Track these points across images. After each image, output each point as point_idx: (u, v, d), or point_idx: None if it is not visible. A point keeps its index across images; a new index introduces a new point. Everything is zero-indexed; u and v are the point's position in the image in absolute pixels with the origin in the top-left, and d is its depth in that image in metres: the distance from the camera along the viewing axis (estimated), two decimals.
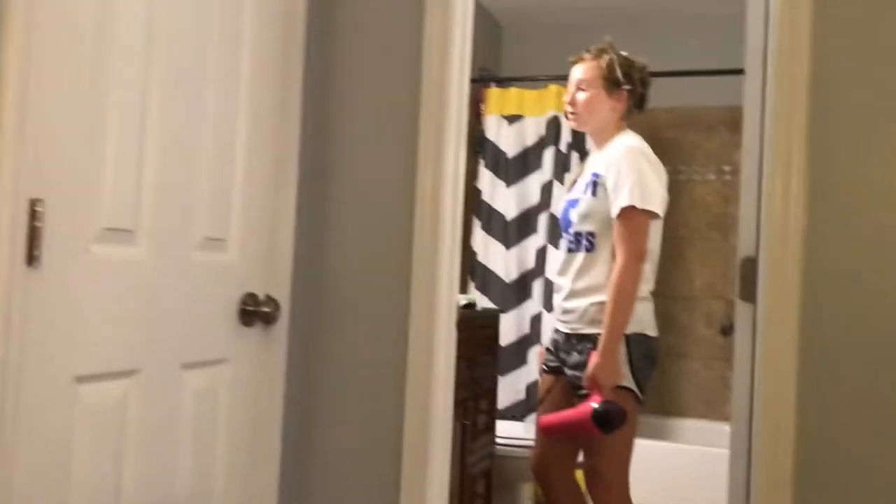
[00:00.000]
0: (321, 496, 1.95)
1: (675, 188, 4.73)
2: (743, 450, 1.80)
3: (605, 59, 2.45)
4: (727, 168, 4.51)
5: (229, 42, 1.70)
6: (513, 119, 4.21)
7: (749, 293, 1.79)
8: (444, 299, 1.94)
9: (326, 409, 1.96)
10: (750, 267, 1.79)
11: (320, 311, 1.98)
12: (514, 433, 3.40)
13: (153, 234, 1.50)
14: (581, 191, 2.45)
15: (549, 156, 4.09)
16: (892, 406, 1.60)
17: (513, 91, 4.23)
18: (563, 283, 2.46)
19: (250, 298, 1.77)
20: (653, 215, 2.31)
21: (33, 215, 1.22)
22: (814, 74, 1.68)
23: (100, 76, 1.37)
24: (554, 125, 4.10)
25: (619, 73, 2.44)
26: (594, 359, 2.25)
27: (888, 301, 1.61)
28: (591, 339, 2.31)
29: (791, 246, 1.66)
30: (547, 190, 4.08)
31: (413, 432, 1.89)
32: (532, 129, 4.18)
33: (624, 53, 2.49)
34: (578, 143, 4.05)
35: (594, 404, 2.17)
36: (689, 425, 4.44)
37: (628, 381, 2.29)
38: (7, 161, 1.19)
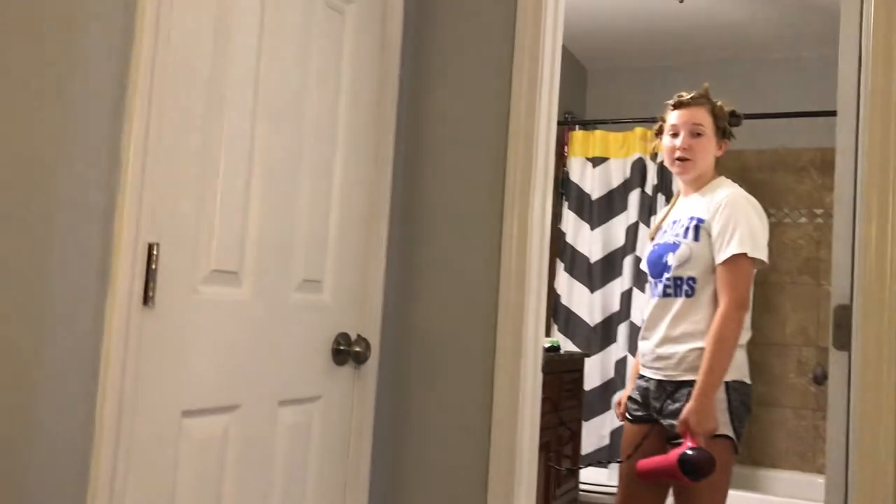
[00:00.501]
0: None
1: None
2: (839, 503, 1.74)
3: (717, 104, 2.46)
4: (819, 211, 4.41)
5: (327, 89, 1.79)
6: (597, 161, 4.23)
7: (843, 341, 1.75)
8: (530, 342, 1.96)
9: (414, 448, 2.00)
10: (844, 314, 1.75)
11: (409, 352, 2.03)
12: (598, 479, 3.36)
13: (255, 276, 1.58)
14: (680, 235, 2.42)
15: (634, 198, 4.09)
16: None
17: (597, 133, 4.26)
18: (657, 329, 2.42)
19: (343, 338, 1.84)
20: (761, 263, 2.30)
21: (150, 258, 1.32)
22: None
23: (210, 128, 1.47)
24: (639, 167, 4.10)
25: (726, 122, 2.46)
26: (689, 405, 2.22)
27: None
28: (689, 387, 2.27)
29: (887, 292, 1.62)
30: (632, 232, 4.07)
31: (498, 474, 1.91)
32: (617, 171, 4.19)
33: (718, 102, 2.49)
34: (665, 184, 4.03)
35: (688, 451, 2.14)
36: (781, 476, 4.28)
37: (727, 429, 2.25)
38: (128, 207, 1.29)
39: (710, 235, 2.32)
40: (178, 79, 1.39)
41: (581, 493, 3.27)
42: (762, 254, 2.29)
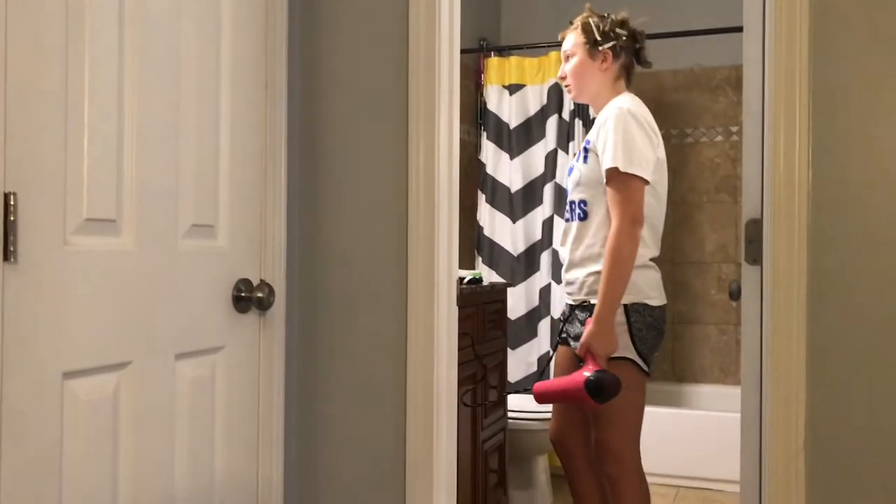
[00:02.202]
0: (326, 481, 1.93)
1: (683, 151, 4.68)
2: (754, 414, 1.76)
3: (586, 21, 2.41)
4: (734, 128, 4.43)
5: (207, 22, 1.65)
6: (514, 88, 4.14)
7: (755, 255, 1.75)
8: (443, 274, 1.90)
9: (328, 392, 1.94)
10: (755, 229, 1.74)
11: (317, 295, 1.94)
12: (527, 407, 3.37)
13: (137, 224, 1.47)
14: (575, 158, 2.42)
15: (552, 125, 4.03)
16: None
17: (513, 60, 4.16)
18: (564, 254, 2.43)
19: (244, 284, 1.74)
20: (642, 180, 2.24)
21: (7, 209, 1.19)
22: (814, 28, 1.61)
23: (71, 66, 1.33)
24: (556, 93, 4.03)
25: (596, 34, 2.38)
26: (589, 328, 2.21)
27: None
28: (592, 309, 2.27)
29: (796, 205, 1.61)
30: (551, 159, 4.02)
31: (417, 412, 1.86)
32: (534, 98, 4.12)
33: (603, 14, 2.43)
34: (582, 110, 3.98)
35: (587, 373, 2.14)
36: (705, 390, 4.40)
37: (629, 352, 2.25)
38: None
39: (597, 156, 2.29)
40: (28, 4, 1.24)
41: (510, 420, 3.28)
42: (640, 169, 2.19)
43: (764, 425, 1.69)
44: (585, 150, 2.34)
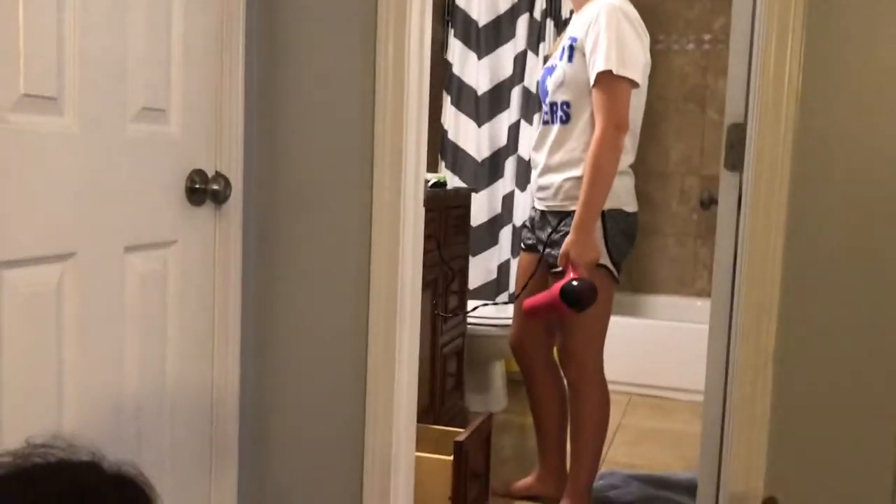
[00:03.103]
0: (285, 379, 1.88)
1: (653, 59, 4.54)
2: (723, 325, 1.73)
3: None
4: (707, 37, 4.33)
5: None
6: None
7: (735, 161, 1.68)
8: (410, 175, 1.80)
9: (287, 292, 1.86)
10: (737, 132, 1.67)
11: (276, 190, 1.84)
12: (486, 313, 3.35)
13: (80, 104, 1.34)
14: (557, 57, 2.29)
15: (522, 24, 3.88)
16: (881, 280, 1.52)
17: None
18: (539, 159, 2.34)
19: (198, 175, 1.63)
20: (632, 83, 2.15)
21: None
22: None
23: None
24: None
25: None
26: (569, 236, 2.16)
27: (884, 169, 1.50)
28: (569, 217, 2.21)
29: (784, 109, 1.54)
30: (520, 61, 3.89)
31: (380, 313, 1.80)
32: None
33: None
34: (554, 9, 3.83)
35: (568, 282, 2.10)
36: (662, 301, 4.44)
37: (604, 259, 2.22)
38: None
39: (584, 55, 2.17)
40: None
41: (469, 326, 3.26)
42: (632, 72, 2.11)
43: (733, 335, 1.67)
44: (571, 48, 2.22)
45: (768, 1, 1.55)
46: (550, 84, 2.28)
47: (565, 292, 2.10)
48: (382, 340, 1.80)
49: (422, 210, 1.89)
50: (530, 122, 3.81)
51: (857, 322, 1.54)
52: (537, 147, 2.36)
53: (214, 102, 1.70)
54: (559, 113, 2.26)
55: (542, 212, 2.34)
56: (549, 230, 2.28)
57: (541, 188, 2.33)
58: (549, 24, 3.83)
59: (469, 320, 3.26)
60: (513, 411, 3.55)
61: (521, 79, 3.88)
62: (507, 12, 3.94)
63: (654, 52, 4.38)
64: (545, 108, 2.33)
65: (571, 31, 2.28)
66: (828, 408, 1.57)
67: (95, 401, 1.41)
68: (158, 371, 1.59)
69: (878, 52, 1.50)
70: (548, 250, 2.28)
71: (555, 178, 2.27)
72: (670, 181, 4.45)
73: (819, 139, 1.53)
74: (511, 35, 3.93)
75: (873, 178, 1.51)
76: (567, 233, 2.20)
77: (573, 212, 2.19)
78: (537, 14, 3.85)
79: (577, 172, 2.21)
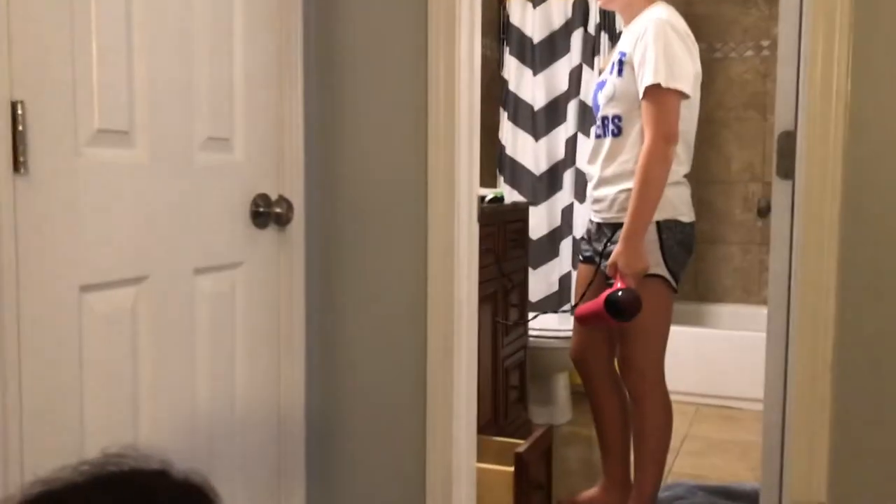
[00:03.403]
0: (349, 395, 1.94)
1: (711, 67, 4.52)
2: (781, 333, 1.73)
3: None
4: (765, 43, 4.28)
5: None
6: (538, 1, 4.00)
7: (787, 170, 1.68)
8: (463, 191, 1.85)
9: (349, 308, 1.92)
10: (788, 141, 1.67)
11: (336, 211, 1.91)
12: (548, 325, 3.37)
13: (151, 135, 1.43)
14: (608, 71, 2.32)
15: (577, 39, 3.90)
16: None
17: None
18: (593, 172, 2.37)
19: (262, 199, 1.71)
20: (682, 95, 2.16)
21: (14, 118, 1.16)
22: None
23: None
24: (581, 6, 3.89)
25: None
26: (617, 246, 2.18)
27: None
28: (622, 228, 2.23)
29: (833, 117, 1.53)
30: (575, 76, 3.91)
31: (437, 326, 1.85)
32: (558, 11, 3.98)
33: None
34: (608, 23, 3.84)
35: (613, 292, 2.13)
36: (727, 310, 4.38)
37: (660, 269, 2.22)
38: None
39: (633, 69, 2.20)
40: None
41: (531, 338, 3.29)
42: (681, 83, 2.13)
43: (791, 344, 1.66)
44: (620, 62, 2.25)
45: (814, 9, 1.55)
46: (602, 98, 2.31)
47: (609, 302, 2.12)
48: (441, 352, 1.85)
49: (476, 225, 1.93)
50: (587, 134, 3.82)
51: None
52: (591, 160, 2.38)
53: (276, 129, 1.78)
54: (611, 126, 2.28)
55: (599, 224, 2.36)
56: (605, 241, 2.31)
57: (596, 200, 2.36)
58: (604, 37, 3.84)
59: (531, 333, 3.28)
60: (577, 423, 3.55)
61: (577, 92, 3.90)
62: (561, 28, 3.97)
63: (711, 61, 4.37)
64: (597, 121, 2.35)
65: (621, 45, 2.31)
66: (888, 416, 1.55)
67: (169, 417, 1.49)
68: (228, 389, 1.66)
69: None
70: (604, 261, 2.30)
71: (609, 191, 2.30)
72: (733, 189, 4.40)
73: (869, 146, 1.52)
74: (566, 50, 3.96)
75: None
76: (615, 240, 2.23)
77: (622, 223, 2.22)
78: (591, 28, 3.87)
79: (630, 184, 2.22)
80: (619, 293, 2.11)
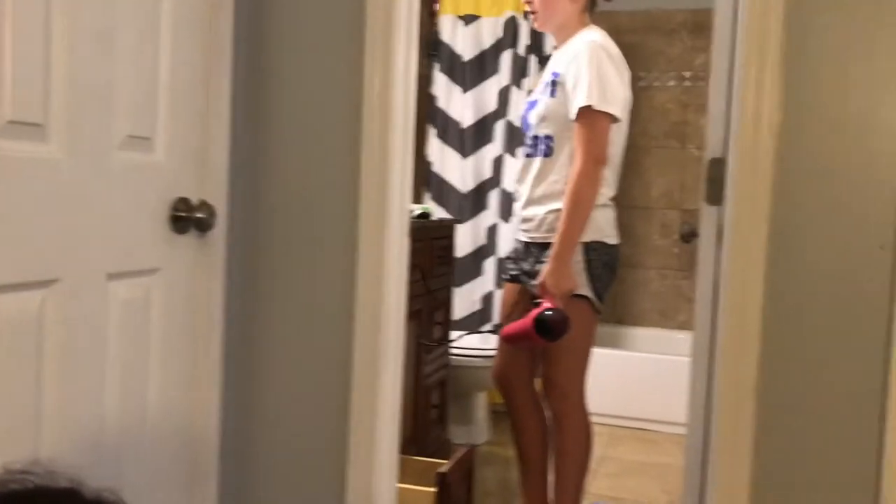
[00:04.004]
0: (267, 412, 1.86)
1: (636, 95, 4.60)
2: (705, 356, 1.75)
3: None
4: (687, 74, 4.41)
5: None
6: (469, 19, 4.01)
7: (716, 196, 1.71)
8: (395, 206, 1.82)
9: (271, 321, 1.85)
10: (717, 168, 1.70)
11: (261, 219, 1.84)
12: (470, 344, 3.35)
13: (67, 131, 1.34)
14: (540, 92, 2.33)
15: (506, 59, 3.93)
16: (861, 311, 1.54)
17: None
18: (522, 191, 2.37)
19: (182, 203, 1.63)
20: (612, 118, 2.19)
21: None
22: None
23: None
24: (511, 26, 3.92)
25: None
26: (546, 266, 2.18)
27: (863, 202, 1.53)
28: (551, 248, 2.24)
29: (763, 144, 1.57)
30: (504, 95, 3.93)
31: (363, 344, 1.80)
32: (489, 31, 4.00)
33: None
34: (537, 45, 3.88)
35: (542, 312, 2.14)
36: (645, 334, 4.46)
37: (586, 290, 2.24)
38: None
39: (565, 90, 2.22)
40: None
41: (453, 357, 3.26)
42: (612, 107, 2.16)
43: (715, 367, 1.68)
44: (553, 83, 2.27)
45: (747, 39, 1.58)
46: (533, 117, 2.32)
47: (538, 322, 2.13)
48: (366, 370, 1.80)
49: (406, 240, 1.90)
50: (514, 154, 3.85)
51: (838, 354, 1.56)
52: (520, 179, 2.38)
53: (201, 132, 1.70)
54: (542, 146, 2.29)
55: (527, 243, 2.36)
56: (533, 261, 2.30)
57: (525, 220, 2.36)
58: (533, 59, 3.88)
59: (453, 351, 3.25)
60: (496, 443, 3.53)
61: (505, 112, 3.92)
62: (491, 47, 3.99)
63: (636, 89, 4.45)
64: (528, 140, 2.36)
65: (554, 66, 2.32)
66: (810, 440, 1.58)
67: (75, 429, 1.39)
68: (140, 400, 1.57)
69: (851, 89, 1.53)
70: (531, 281, 2.29)
71: (538, 210, 2.30)
72: (652, 215, 4.49)
73: (796, 174, 1.56)
74: (495, 69, 3.98)
75: (850, 210, 1.54)
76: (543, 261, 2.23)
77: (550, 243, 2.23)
78: (521, 49, 3.90)
79: (559, 204, 2.23)
80: (549, 313, 2.12)
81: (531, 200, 2.32)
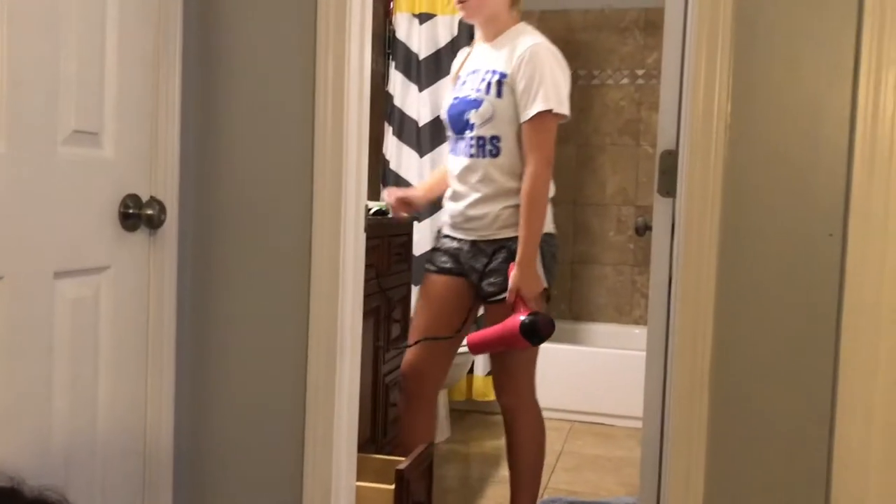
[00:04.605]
0: (221, 410, 1.83)
1: (589, 93, 4.67)
2: (660, 349, 1.76)
3: None
4: (640, 72, 4.45)
5: None
6: (424, 18, 4.00)
7: (668, 188, 1.73)
8: (350, 202, 1.80)
9: (224, 320, 1.82)
10: (669, 160, 1.72)
11: (213, 215, 1.81)
12: None
13: (9, 124, 1.30)
14: (482, 90, 2.29)
15: (461, 58, 3.92)
16: (812, 299, 1.57)
17: None
18: (465, 190, 2.32)
19: (132, 200, 1.60)
20: (563, 118, 2.22)
21: None
22: None
23: None
24: (467, 25, 3.91)
25: None
26: (515, 271, 2.18)
27: (813, 191, 1.56)
28: (505, 245, 2.23)
29: (714, 137, 1.58)
30: None
31: (320, 343, 1.78)
32: (444, 29, 3.99)
33: None
34: None
35: (522, 317, 2.12)
36: (601, 329, 4.50)
37: (544, 283, 2.25)
38: None
39: (513, 92, 2.22)
40: None
41: None
42: (565, 108, 2.22)
43: (670, 359, 1.70)
44: (500, 83, 2.25)
45: (697, 35, 1.60)
46: (476, 118, 2.27)
47: (527, 328, 2.11)
48: (322, 369, 1.78)
49: (362, 236, 1.88)
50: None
51: (789, 343, 1.59)
52: (463, 179, 2.33)
53: (150, 126, 1.67)
54: (489, 147, 2.27)
55: (474, 241, 2.32)
56: (485, 259, 2.29)
57: (472, 219, 2.32)
58: None
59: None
60: (456, 441, 3.53)
61: None
62: (447, 45, 3.99)
63: (589, 87, 4.52)
64: (468, 140, 2.31)
65: (492, 64, 2.29)
66: (762, 431, 1.61)
67: (20, 433, 1.35)
68: (89, 401, 1.53)
69: (800, 80, 1.56)
70: (486, 280, 2.28)
71: (490, 208, 2.28)
72: (607, 211, 4.54)
73: (747, 165, 1.58)
74: (450, 68, 3.97)
75: (800, 200, 1.57)
76: (503, 260, 2.22)
77: (506, 239, 2.23)
78: None
79: (512, 201, 2.24)
80: (535, 318, 2.12)
81: (482, 199, 2.29)
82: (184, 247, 1.78)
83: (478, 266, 2.30)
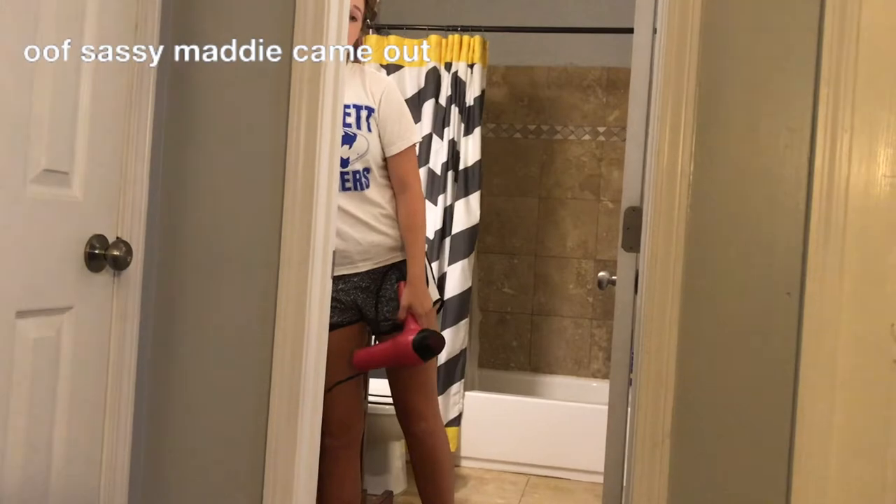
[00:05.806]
0: (179, 459, 1.80)
1: (552, 147, 4.76)
2: (621, 401, 1.79)
3: None
4: (601, 129, 4.56)
5: None
6: (392, 69, 4.07)
7: (632, 243, 1.77)
8: (318, 249, 1.80)
9: (185, 365, 1.80)
10: (634, 216, 1.76)
11: (179, 259, 1.80)
12: (385, 391, 3.31)
13: None
14: (353, 125, 2.36)
15: (428, 109, 3.99)
16: (771, 355, 1.61)
17: (392, 39, 4.09)
18: (347, 228, 2.36)
19: (98, 240, 1.58)
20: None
21: None
22: (704, 19, 1.64)
23: None
24: (434, 77, 3.99)
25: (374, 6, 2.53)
26: (407, 290, 2.31)
27: (770, 251, 1.61)
28: (396, 267, 2.38)
29: (677, 194, 1.63)
30: (426, 145, 3.98)
31: (282, 393, 1.76)
32: (412, 81, 4.06)
33: None
34: (459, 95, 3.96)
35: (412, 336, 2.23)
36: (559, 381, 4.51)
37: (434, 295, 2.42)
38: None
39: (377, 125, 2.35)
40: None
41: (370, 405, 3.22)
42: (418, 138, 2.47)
43: (632, 411, 1.72)
44: (368, 118, 2.33)
45: (662, 95, 1.66)
46: (353, 153, 2.34)
47: (420, 345, 2.22)
48: (284, 420, 1.76)
49: (329, 282, 1.88)
50: (435, 202, 3.89)
51: (749, 398, 1.62)
52: (351, 212, 2.37)
53: (119, 168, 1.67)
54: (363, 180, 2.38)
55: (367, 272, 2.38)
56: (375, 288, 2.38)
57: (366, 251, 2.38)
58: (454, 109, 3.96)
59: (370, 399, 3.21)
60: (412, 493, 3.48)
61: (427, 160, 3.96)
62: (413, 96, 4.05)
63: (552, 141, 4.60)
64: (350, 175, 2.36)
65: (355, 97, 2.36)
66: (724, 487, 1.63)
67: None
68: (44, 445, 1.49)
69: (759, 143, 1.62)
70: (382, 310, 2.37)
71: (379, 238, 2.39)
72: (567, 264, 4.59)
73: (708, 224, 1.63)
74: (417, 119, 4.03)
75: (759, 258, 1.61)
76: (394, 283, 2.36)
77: (395, 262, 2.38)
78: (442, 100, 3.98)
79: (389, 229, 2.39)
80: (426, 335, 2.22)
81: (374, 229, 2.37)
82: (148, 289, 1.76)
83: (370, 300, 2.36)
